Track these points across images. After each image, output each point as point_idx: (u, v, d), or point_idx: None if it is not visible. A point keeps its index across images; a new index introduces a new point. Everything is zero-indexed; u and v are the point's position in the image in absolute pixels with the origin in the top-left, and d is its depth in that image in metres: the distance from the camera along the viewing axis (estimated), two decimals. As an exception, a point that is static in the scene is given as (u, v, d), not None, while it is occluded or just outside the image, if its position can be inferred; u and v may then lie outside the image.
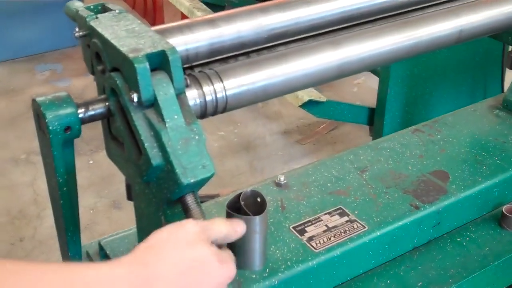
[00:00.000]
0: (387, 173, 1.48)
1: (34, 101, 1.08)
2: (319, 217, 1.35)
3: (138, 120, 1.03)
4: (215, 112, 1.14)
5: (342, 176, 1.48)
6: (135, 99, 1.01)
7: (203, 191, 1.51)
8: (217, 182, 3.51)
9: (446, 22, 1.35)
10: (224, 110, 1.14)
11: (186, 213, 1.05)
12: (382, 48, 1.25)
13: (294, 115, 4.19)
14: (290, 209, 1.38)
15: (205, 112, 1.12)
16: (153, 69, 1.02)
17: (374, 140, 1.62)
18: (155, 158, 1.02)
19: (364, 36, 1.26)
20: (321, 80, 1.22)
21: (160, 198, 1.09)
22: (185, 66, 1.17)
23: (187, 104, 1.05)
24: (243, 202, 1.21)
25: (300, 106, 3.05)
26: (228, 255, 1.00)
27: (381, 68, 3.12)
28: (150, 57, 1.01)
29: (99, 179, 3.62)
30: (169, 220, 1.10)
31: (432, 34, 1.31)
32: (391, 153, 1.56)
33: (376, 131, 3.22)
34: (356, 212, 1.36)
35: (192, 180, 1.00)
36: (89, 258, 1.40)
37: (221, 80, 1.12)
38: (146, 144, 1.02)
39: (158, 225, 1.14)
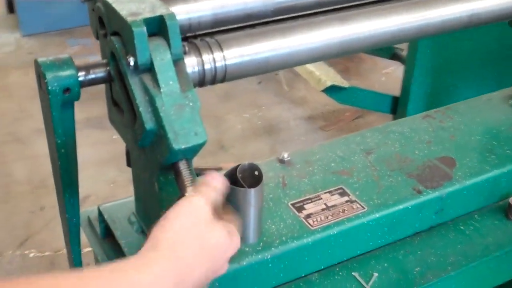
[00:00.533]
0: (392, 156, 1.47)
1: (36, 61, 1.09)
2: (319, 196, 1.34)
3: (134, 84, 1.03)
4: (213, 81, 1.13)
5: (346, 157, 1.47)
6: (132, 63, 1.02)
7: (207, 164, 1.52)
8: (237, 163, 3.52)
9: (456, 4, 1.32)
10: (224, 79, 1.14)
11: (177, 179, 1.05)
12: (388, 28, 1.23)
13: (319, 101, 4.17)
14: (291, 186, 1.37)
15: (203, 80, 1.12)
16: (152, 35, 1.03)
17: (383, 124, 1.60)
18: (148, 122, 1.02)
19: (371, 14, 1.24)
20: (325, 55, 1.21)
21: (154, 164, 1.09)
22: (188, 35, 1.17)
23: (185, 71, 1.05)
24: (240, 175, 1.21)
25: (323, 91, 3.03)
26: (234, 226, 1.00)
27: (407, 56, 3.08)
28: (148, 21, 1.01)
29: (122, 153, 3.66)
30: (162, 187, 1.11)
31: (441, 17, 1.29)
32: (399, 137, 1.55)
33: (399, 121, 3.19)
34: (357, 193, 1.35)
35: (183, 146, 1.00)
36: (90, 224, 1.42)
37: (221, 49, 1.12)
38: (140, 108, 1.02)
39: (153, 192, 1.14)
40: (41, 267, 3.07)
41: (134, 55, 1.01)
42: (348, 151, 1.49)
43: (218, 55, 1.11)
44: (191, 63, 1.10)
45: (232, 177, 1.21)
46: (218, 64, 1.11)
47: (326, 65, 3.18)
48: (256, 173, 1.22)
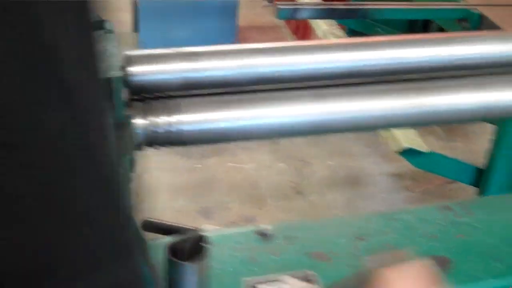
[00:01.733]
0: (383, 247, 1.35)
1: None
2: (281, 278, 1.25)
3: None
4: (163, 144, 1.09)
5: (334, 240, 1.37)
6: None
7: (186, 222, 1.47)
8: (311, 213, 3.42)
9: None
10: (176, 143, 1.09)
11: None
12: (366, 112, 1.13)
13: (411, 159, 3.98)
14: (258, 262, 1.29)
15: (151, 142, 1.08)
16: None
17: (394, 210, 1.48)
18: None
19: (355, 94, 1.14)
20: (291, 133, 1.13)
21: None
22: (156, 95, 1.13)
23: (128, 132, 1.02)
24: (188, 244, 1.16)
25: (399, 153, 2.88)
26: None
27: (497, 125, 2.87)
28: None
29: (197, 183, 3.68)
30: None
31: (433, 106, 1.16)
32: (402, 226, 1.42)
33: (481, 195, 2.96)
34: (324, 282, 1.25)
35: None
36: None
37: (173, 113, 1.08)
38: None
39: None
40: None
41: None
42: (340, 233, 1.39)
43: (167, 119, 1.07)
44: (141, 124, 1.07)
45: (178, 246, 1.16)
46: (169, 128, 1.07)
47: (410, 125, 3.02)
48: (207, 245, 1.16)
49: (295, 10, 2.69)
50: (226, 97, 1.14)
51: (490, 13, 2.78)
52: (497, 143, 2.85)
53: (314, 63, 1.16)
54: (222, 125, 1.10)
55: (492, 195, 1.54)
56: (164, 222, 1.39)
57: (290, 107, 1.12)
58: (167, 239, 1.28)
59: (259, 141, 3.92)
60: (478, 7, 2.85)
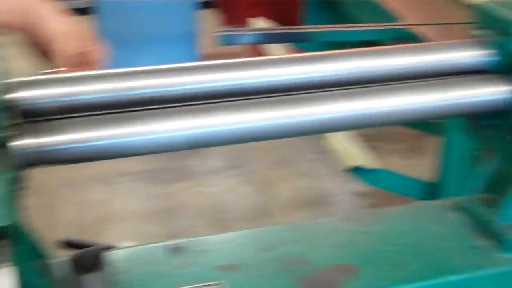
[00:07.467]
0: (287, 258, 1.40)
1: None
2: (188, 290, 1.31)
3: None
4: (48, 162, 1.16)
5: (240, 252, 1.42)
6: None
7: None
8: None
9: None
10: (58, 162, 1.16)
11: None
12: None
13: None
14: (163, 276, 1.34)
15: (37, 161, 1.14)
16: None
17: (299, 221, 1.54)
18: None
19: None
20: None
21: None
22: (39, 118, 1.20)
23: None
24: (93, 259, 1.22)
25: (348, 171, 2.94)
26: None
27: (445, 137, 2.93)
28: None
29: (166, 209, 3.74)
30: None
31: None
32: (307, 237, 1.47)
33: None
34: (229, 292, 1.30)
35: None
36: None
37: (58, 133, 1.15)
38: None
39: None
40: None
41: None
42: (246, 246, 1.44)
43: (49, 139, 1.14)
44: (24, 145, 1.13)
45: (79, 259, 1.22)
46: (52, 148, 1.14)
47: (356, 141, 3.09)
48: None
49: (237, 36, 2.76)
50: (103, 117, 1.21)
51: (429, 32, 2.88)
52: (446, 156, 2.91)
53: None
54: (103, 142, 1.17)
55: (394, 207, 1.60)
56: (82, 240, 1.44)
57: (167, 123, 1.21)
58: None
59: (224, 166, 4.01)
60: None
